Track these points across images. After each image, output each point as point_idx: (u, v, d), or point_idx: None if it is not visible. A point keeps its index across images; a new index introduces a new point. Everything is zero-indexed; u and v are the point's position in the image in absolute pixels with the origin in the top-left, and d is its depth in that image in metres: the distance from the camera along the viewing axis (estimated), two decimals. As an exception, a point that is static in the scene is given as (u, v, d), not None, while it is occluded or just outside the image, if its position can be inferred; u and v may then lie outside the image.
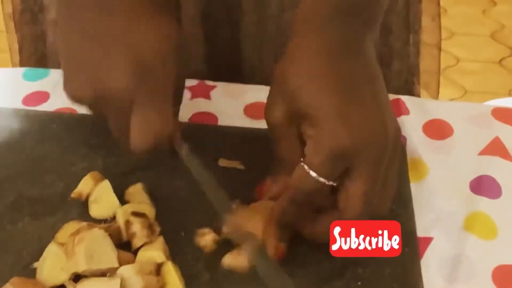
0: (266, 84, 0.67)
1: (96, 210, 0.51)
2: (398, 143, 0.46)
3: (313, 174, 0.43)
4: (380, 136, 0.44)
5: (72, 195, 0.52)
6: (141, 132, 0.45)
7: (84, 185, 0.52)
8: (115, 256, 0.45)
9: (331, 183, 0.44)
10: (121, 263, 0.45)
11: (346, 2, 0.45)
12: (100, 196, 0.51)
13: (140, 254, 0.47)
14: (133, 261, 0.46)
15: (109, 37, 0.45)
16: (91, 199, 0.52)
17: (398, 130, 0.46)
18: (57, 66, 0.73)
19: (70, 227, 0.49)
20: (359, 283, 0.47)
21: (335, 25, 0.45)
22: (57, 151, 0.58)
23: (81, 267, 0.44)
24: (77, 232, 0.46)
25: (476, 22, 2.34)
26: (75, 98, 0.46)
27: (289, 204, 0.46)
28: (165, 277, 0.46)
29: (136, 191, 0.53)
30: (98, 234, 0.46)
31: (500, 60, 2.17)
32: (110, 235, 0.47)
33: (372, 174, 0.44)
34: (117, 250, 0.46)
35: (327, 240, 0.44)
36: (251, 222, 0.47)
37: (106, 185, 0.52)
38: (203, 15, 0.67)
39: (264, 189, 0.49)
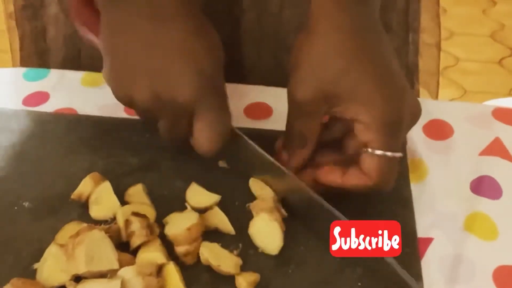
0: (265, 80, 0.67)
1: (96, 211, 0.51)
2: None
3: (388, 153, 0.46)
4: (416, 107, 0.49)
5: (72, 196, 0.52)
6: (208, 135, 0.49)
7: (84, 186, 0.52)
8: (115, 257, 0.45)
9: (399, 154, 0.47)
10: (121, 265, 0.45)
11: None
12: (101, 197, 0.51)
13: (140, 255, 0.47)
14: (133, 263, 0.46)
15: (166, 46, 0.48)
16: (91, 200, 0.52)
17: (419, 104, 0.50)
18: (57, 62, 0.73)
19: (70, 228, 0.49)
20: (359, 283, 0.47)
21: (353, 9, 0.47)
22: (57, 151, 0.58)
23: (81, 269, 0.44)
24: (77, 233, 0.46)
25: (476, 22, 2.34)
26: (131, 100, 0.49)
27: (367, 189, 0.48)
28: (166, 278, 0.46)
29: (137, 192, 0.53)
30: (98, 236, 0.45)
31: (500, 60, 2.17)
32: (110, 236, 0.46)
33: (403, 144, 0.49)
34: (117, 252, 0.46)
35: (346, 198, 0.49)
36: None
37: (106, 186, 0.52)
38: (203, 11, 0.67)
39: (281, 160, 0.51)
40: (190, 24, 0.49)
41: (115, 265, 0.45)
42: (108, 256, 0.45)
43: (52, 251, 0.47)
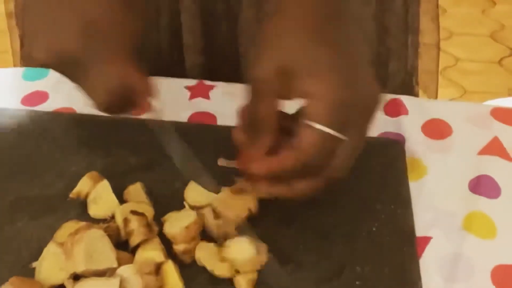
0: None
1: (95, 210, 0.51)
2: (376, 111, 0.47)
3: (327, 129, 0.44)
4: (374, 94, 0.46)
5: (71, 195, 0.52)
6: (97, 86, 0.46)
7: (83, 185, 0.52)
8: (114, 256, 0.45)
9: (341, 136, 0.44)
10: (120, 263, 0.45)
11: None
12: (100, 196, 0.52)
13: (139, 254, 0.47)
14: (131, 261, 0.46)
15: (60, 0, 0.46)
16: (90, 198, 0.52)
17: (379, 98, 0.47)
18: None
19: (69, 227, 0.49)
20: (357, 282, 0.47)
21: None
22: (56, 151, 0.58)
23: (80, 267, 0.44)
24: (76, 232, 0.46)
25: (475, 22, 2.34)
26: (38, 63, 0.47)
27: (297, 165, 0.45)
28: (165, 277, 0.46)
29: (135, 190, 0.53)
30: (97, 234, 0.46)
31: (500, 60, 2.17)
32: (109, 235, 0.47)
33: (363, 132, 0.46)
34: (116, 250, 0.46)
35: (301, 199, 0.46)
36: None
37: (105, 184, 0.52)
38: (202, 10, 0.67)
39: (244, 160, 0.48)
40: None
41: (114, 264, 0.45)
42: (107, 255, 0.45)
43: (50, 250, 0.47)
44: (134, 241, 0.48)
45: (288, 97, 0.46)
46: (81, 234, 0.45)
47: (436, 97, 0.78)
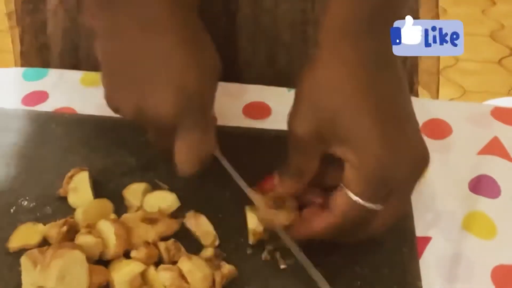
0: (260, 76, 0.67)
1: (73, 199, 0.52)
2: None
3: (360, 200, 0.43)
4: (421, 158, 0.44)
5: (61, 193, 0.53)
6: (187, 156, 0.47)
7: (66, 183, 0.53)
8: (85, 285, 0.44)
9: (378, 206, 0.43)
10: (96, 279, 0.45)
11: (378, 12, 0.44)
12: (78, 186, 0.52)
13: (119, 273, 0.46)
14: (107, 276, 0.46)
15: (153, 58, 0.46)
16: (70, 187, 0.53)
17: (427, 155, 0.46)
18: (57, 56, 0.73)
19: (22, 230, 0.50)
20: (358, 283, 0.47)
21: (367, 42, 0.43)
22: (56, 151, 0.58)
23: (50, 284, 0.43)
24: (60, 245, 0.45)
25: (475, 22, 2.34)
26: (118, 112, 0.48)
27: (332, 229, 0.45)
28: (152, 280, 0.46)
29: (135, 189, 0.53)
30: (78, 257, 0.45)
31: (500, 60, 2.17)
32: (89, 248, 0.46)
33: (407, 198, 0.46)
34: (93, 266, 0.45)
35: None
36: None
37: (84, 175, 0.53)
38: (199, 6, 0.67)
39: (267, 184, 0.49)
40: (180, 35, 0.46)
41: None
42: (80, 280, 0.44)
43: (23, 262, 0.46)
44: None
45: (329, 152, 0.45)
46: (64, 250, 0.44)
47: (437, 97, 0.78)
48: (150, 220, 0.49)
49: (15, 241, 0.49)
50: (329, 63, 0.44)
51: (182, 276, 0.46)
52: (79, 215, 0.50)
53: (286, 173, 0.47)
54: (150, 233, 0.48)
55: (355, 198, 0.43)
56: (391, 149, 0.42)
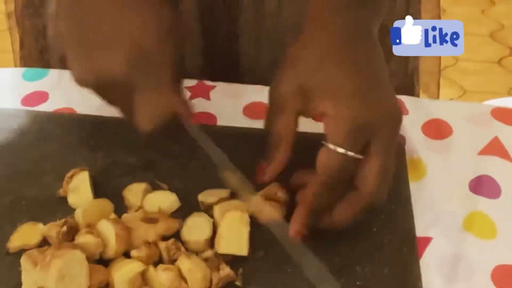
0: (263, 79, 0.67)
1: (73, 199, 0.52)
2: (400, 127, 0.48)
3: (340, 150, 0.45)
4: (395, 113, 0.47)
5: (61, 193, 0.53)
6: (145, 113, 0.47)
7: (66, 183, 0.53)
8: (85, 284, 0.44)
9: (358, 155, 0.45)
10: (96, 279, 0.45)
11: None
12: (78, 186, 0.52)
13: (119, 273, 0.46)
14: (107, 276, 0.46)
15: (107, 23, 0.46)
16: (70, 187, 0.52)
17: (400, 120, 0.48)
18: (57, 60, 0.73)
19: (23, 229, 0.50)
20: (358, 283, 0.47)
21: (346, 14, 0.48)
22: (56, 151, 0.58)
23: (50, 285, 0.43)
24: (59, 246, 0.45)
25: (475, 22, 2.34)
26: (81, 83, 0.48)
27: (322, 188, 0.46)
28: (152, 280, 0.46)
29: (136, 189, 0.53)
30: (78, 257, 0.45)
31: (499, 60, 2.17)
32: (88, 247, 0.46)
33: (387, 150, 0.46)
34: (93, 266, 0.45)
35: (345, 226, 0.47)
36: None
37: (84, 176, 0.53)
38: (201, 10, 0.67)
39: (261, 174, 0.49)
40: (133, 1, 0.46)
41: None
42: (80, 280, 0.44)
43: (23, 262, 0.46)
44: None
45: (308, 115, 0.48)
46: (64, 250, 0.44)
47: (437, 97, 0.78)
48: (150, 220, 0.49)
49: (15, 241, 0.49)
50: (312, 30, 0.48)
51: (182, 276, 0.46)
52: (79, 215, 0.50)
53: (269, 148, 0.48)
54: (150, 233, 0.48)
55: (335, 148, 0.45)
56: (367, 100, 0.45)
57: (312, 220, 0.47)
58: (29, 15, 0.72)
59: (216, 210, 0.51)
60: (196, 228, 0.49)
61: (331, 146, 0.45)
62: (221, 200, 0.52)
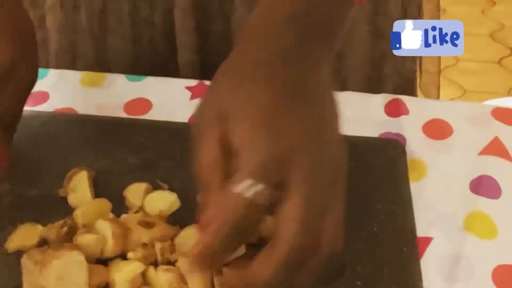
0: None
1: (72, 199, 0.52)
2: (343, 171, 0.40)
3: (247, 182, 0.37)
4: (317, 147, 0.38)
5: (62, 193, 0.53)
6: None
7: (67, 183, 0.53)
8: (85, 285, 0.44)
9: (268, 189, 0.37)
10: (95, 279, 0.45)
11: (304, 10, 0.41)
12: (77, 186, 0.52)
13: (119, 273, 0.46)
14: (107, 277, 0.46)
15: None
16: (69, 187, 0.53)
17: (343, 158, 0.40)
18: (54, 51, 0.73)
19: (23, 230, 0.50)
20: (358, 283, 0.47)
21: (285, 33, 0.41)
22: (56, 151, 0.58)
23: (48, 285, 0.43)
24: (59, 247, 0.45)
25: (475, 22, 2.34)
26: None
27: (223, 232, 0.37)
28: (152, 281, 0.46)
29: (137, 188, 0.53)
30: (77, 259, 0.44)
31: (500, 60, 2.17)
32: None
33: (308, 190, 0.37)
34: (92, 266, 0.45)
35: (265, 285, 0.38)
36: None
37: (83, 175, 0.53)
38: (194, 7, 0.67)
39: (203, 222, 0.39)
40: None
41: None
42: (79, 281, 0.44)
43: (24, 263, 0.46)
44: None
45: (231, 144, 0.38)
46: (63, 251, 0.44)
47: (437, 97, 0.78)
48: (146, 224, 0.49)
49: (14, 242, 0.49)
50: (244, 43, 0.42)
51: (182, 277, 0.46)
52: (78, 215, 0.50)
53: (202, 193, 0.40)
54: (145, 237, 0.48)
55: (243, 183, 0.36)
56: (284, 132, 0.37)
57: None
58: (28, 7, 0.72)
59: None
60: (190, 238, 0.48)
61: (241, 181, 0.36)
62: None
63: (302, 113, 0.39)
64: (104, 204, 0.52)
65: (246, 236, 0.40)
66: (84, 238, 0.47)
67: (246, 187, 0.37)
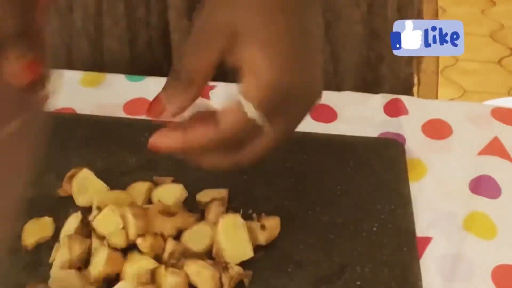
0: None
1: (83, 199, 0.52)
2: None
3: (250, 110, 0.40)
4: (316, 90, 0.43)
5: (61, 193, 0.53)
6: None
7: (65, 183, 0.53)
8: (102, 269, 0.45)
9: (266, 123, 0.40)
10: (111, 267, 0.46)
11: None
12: (84, 184, 0.52)
13: (129, 265, 0.46)
14: (121, 267, 0.46)
15: None
16: (74, 190, 0.52)
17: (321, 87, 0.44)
18: (50, 55, 0.73)
19: (30, 226, 0.50)
20: (358, 282, 0.47)
21: None
22: (56, 151, 0.58)
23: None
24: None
25: (475, 22, 2.34)
26: None
27: (214, 143, 0.41)
28: (160, 281, 0.46)
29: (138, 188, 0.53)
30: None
31: (499, 60, 2.17)
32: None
33: (293, 123, 0.42)
34: (113, 253, 0.46)
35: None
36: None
37: (86, 173, 0.53)
38: (189, 7, 0.67)
39: (156, 107, 0.43)
40: None
41: None
42: (99, 266, 0.45)
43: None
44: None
45: (229, 60, 0.41)
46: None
47: (437, 97, 0.78)
48: (168, 213, 0.49)
49: (30, 237, 0.49)
50: None
51: (189, 283, 0.46)
52: (95, 206, 0.50)
53: (174, 80, 0.43)
54: (167, 225, 0.48)
55: (250, 109, 0.39)
56: (295, 68, 0.40)
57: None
58: None
59: (210, 213, 0.51)
60: (196, 236, 0.49)
61: (243, 102, 0.40)
62: (213, 200, 0.51)
63: (308, 57, 0.42)
64: (123, 195, 0.52)
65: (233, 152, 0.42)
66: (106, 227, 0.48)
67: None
